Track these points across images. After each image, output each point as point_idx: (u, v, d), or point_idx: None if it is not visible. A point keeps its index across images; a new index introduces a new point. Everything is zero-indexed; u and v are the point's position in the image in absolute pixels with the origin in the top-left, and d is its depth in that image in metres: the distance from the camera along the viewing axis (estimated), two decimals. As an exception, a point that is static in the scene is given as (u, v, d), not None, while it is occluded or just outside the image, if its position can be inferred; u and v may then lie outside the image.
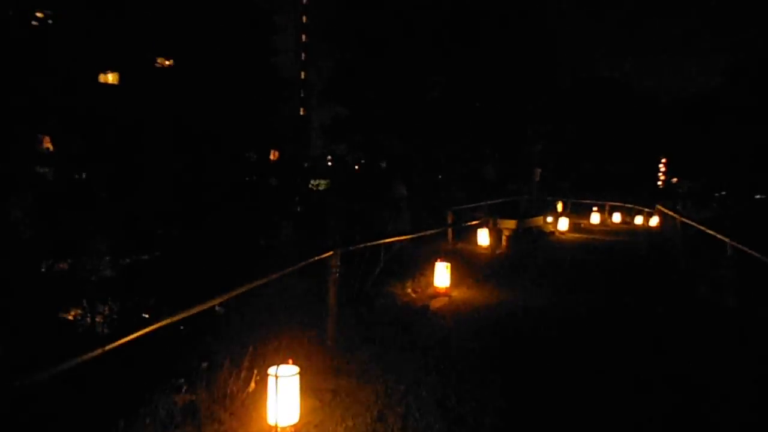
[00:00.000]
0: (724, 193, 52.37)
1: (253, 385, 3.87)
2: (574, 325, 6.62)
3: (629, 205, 24.68)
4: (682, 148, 48.71)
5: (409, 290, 8.28)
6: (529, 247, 12.98)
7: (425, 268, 8.70)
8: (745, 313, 6.65)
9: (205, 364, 4.01)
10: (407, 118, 14.85)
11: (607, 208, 23.42)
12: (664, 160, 58.41)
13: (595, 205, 24.18)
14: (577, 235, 16.35)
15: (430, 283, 8.26)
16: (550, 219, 17.27)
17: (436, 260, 8.26)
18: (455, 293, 8.22)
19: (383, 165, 20.14)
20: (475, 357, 5.31)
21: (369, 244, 7.50)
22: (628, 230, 19.99)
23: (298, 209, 21.54)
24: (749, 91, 40.27)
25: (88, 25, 21.87)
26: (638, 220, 25.73)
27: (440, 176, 17.75)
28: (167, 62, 31.04)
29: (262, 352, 4.56)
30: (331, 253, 5.72)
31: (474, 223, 11.96)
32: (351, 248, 6.49)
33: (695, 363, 5.23)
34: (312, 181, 30.41)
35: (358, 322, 6.29)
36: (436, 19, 16.37)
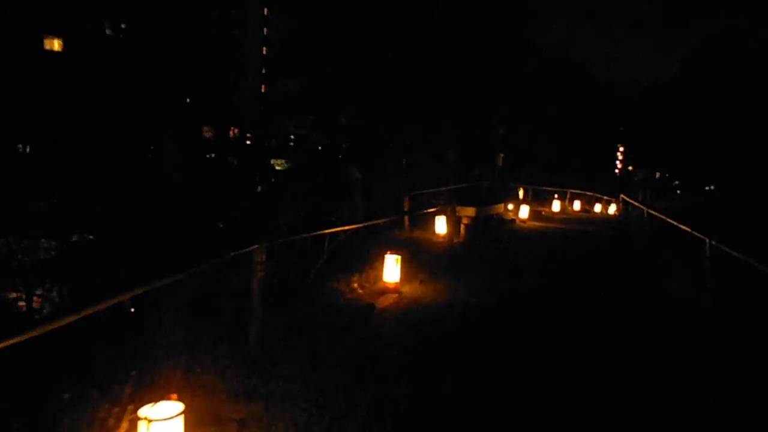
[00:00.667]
0: (677, 182, 53.51)
1: (125, 426, 2.97)
2: (536, 331, 5.94)
3: (589, 193, 24.52)
4: (639, 137, 49.44)
5: (356, 285, 7.46)
6: (489, 236, 12.35)
7: (376, 260, 7.89)
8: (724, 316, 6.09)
9: (66, 396, 3.08)
10: (363, 95, 13.94)
11: (567, 195, 23.15)
12: (621, 149, 59.27)
13: (555, 193, 23.91)
14: (538, 224, 15.86)
15: (380, 277, 7.47)
16: (511, 206, 16.73)
17: (382, 253, 7.46)
18: (406, 289, 7.45)
19: (344, 146, 19.25)
20: (420, 375, 4.55)
21: (308, 234, 6.63)
22: (588, 218, 19.71)
23: (258, 189, 20.35)
24: (705, 80, 40.85)
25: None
26: (597, 207, 25.68)
27: (402, 159, 16.91)
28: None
29: (158, 373, 3.67)
30: (256, 247, 4.83)
31: (432, 210, 11.20)
32: (280, 241, 5.59)
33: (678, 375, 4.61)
34: (272, 161, 29.18)
35: (289, 326, 5.44)
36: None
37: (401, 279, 7.44)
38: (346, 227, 7.48)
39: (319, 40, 15.63)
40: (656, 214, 9.46)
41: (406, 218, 11.96)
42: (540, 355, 5.12)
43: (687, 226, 6.89)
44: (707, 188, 45.14)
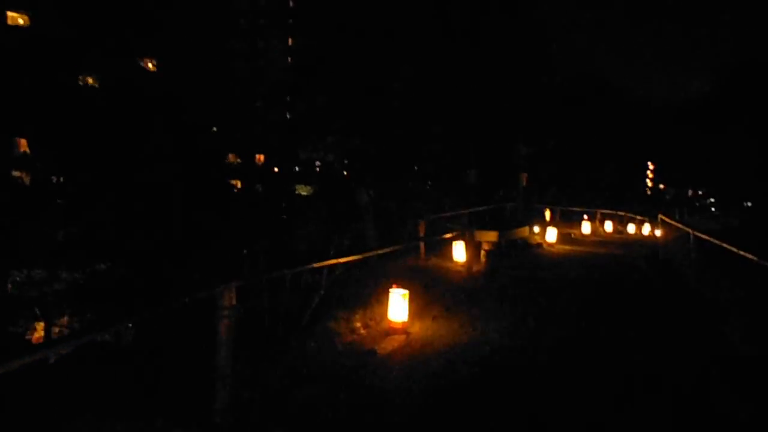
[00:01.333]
0: (712, 200, 51.23)
1: None
2: (565, 382, 4.86)
3: (621, 213, 23.16)
4: (670, 154, 47.63)
5: (358, 324, 6.50)
6: (513, 263, 11.27)
7: (385, 293, 6.93)
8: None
9: None
10: (376, 116, 13.16)
11: (597, 216, 21.87)
12: (651, 167, 57.28)
13: (585, 213, 22.65)
14: (567, 247, 14.69)
15: (386, 315, 6.49)
16: (537, 229, 15.60)
17: (390, 286, 6.49)
18: (416, 328, 6.45)
19: (355, 168, 18.43)
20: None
21: (290, 270, 5.69)
22: (622, 241, 18.40)
23: (284, 217, 19.70)
24: (738, 97, 39.14)
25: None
26: (631, 228, 24.25)
27: (419, 182, 15.99)
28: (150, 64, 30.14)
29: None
30: (222, 287, 3.93)
31: (449, 236, 10.20)
32: (255, 280, 4.69)
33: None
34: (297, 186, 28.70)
35: (269, 385, 4.50)
36: (412, 6, 14.74)
37: (410, 316, 6.45)
38: (344, 259, 6.52)
39: (338, 62, 14.99)
40: (707, 237, 8.26)
41: (421, 244, 10.98)
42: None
43: (750, 253, 5.73)
44: (745, 204, 42.96)
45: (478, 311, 7.38)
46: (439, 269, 10.04)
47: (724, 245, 6.66)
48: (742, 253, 5.84)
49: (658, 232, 26.13)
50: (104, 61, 24.02)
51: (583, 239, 17.44)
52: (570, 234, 17.68)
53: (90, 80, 25.54)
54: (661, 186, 56.82)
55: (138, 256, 13.20)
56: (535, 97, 22.31)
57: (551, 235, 14.84)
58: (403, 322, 6.28)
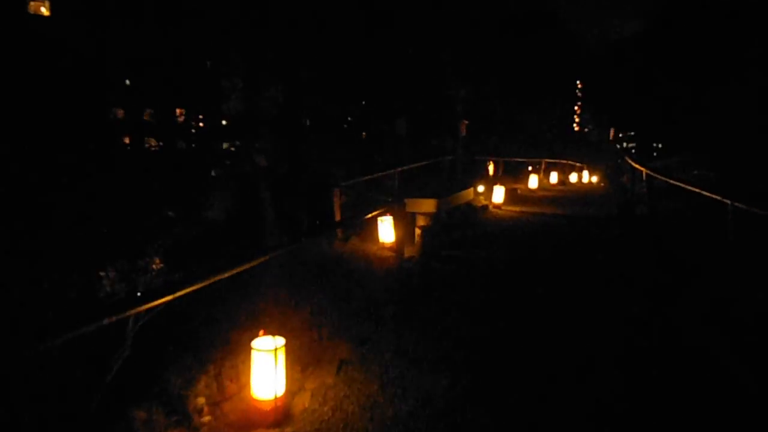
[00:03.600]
0: (633, 144, 50.74)
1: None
2: None
3: (567, 162, 21.19)
4: (600, 96, 46.50)
5: (200, 401, 3.64)
6: (456, 239, 8.65)
7: (254, 335, 4.07)
8: None
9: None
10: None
11: (542, 166, 19.71)
12: (578, 109, 56.14)
13: (529, 165, 20.47)
14: (518, 209, 12.28)
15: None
16: (481, 188, 13.07)
17: (258, 329, 3.63)
18: (300, 402, 3.69)
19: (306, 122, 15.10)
20: None
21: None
22: (574, 194, 16.32)
23: (213, 174, 16.12)
24: (671, 38, 37.67)
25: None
26: (573, 177, 22.44)
27: (337, 137, 12.94)
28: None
29: None
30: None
31: (372, 215, 7.32)
32: None
33: None
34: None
35: None
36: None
37: (291, 380, 3.67)
38: (185, 289, 3.45)
39: None
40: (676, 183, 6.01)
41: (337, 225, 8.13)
42: None
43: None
44: (656, 145, 42.38)
45: (412, 336, 4.71)
46: (359, 260, 7.24)
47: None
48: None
49: (594, 179, 24.65)
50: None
51: (532, 196, 15.13)
52: (516, 190, 15.35)
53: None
54: (586, 129, 55.93)
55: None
56: (469, 32, 19.43)
57: (498, 194, 12.34)
58: (273, 400, 3.46)
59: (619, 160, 18.89)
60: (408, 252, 7.60)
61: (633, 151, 46.40)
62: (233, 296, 5.05)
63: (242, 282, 5.16)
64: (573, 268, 7.14)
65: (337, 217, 8.27)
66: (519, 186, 16.12)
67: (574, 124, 56.75)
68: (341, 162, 10.54)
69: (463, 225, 9.66)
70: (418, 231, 7.91)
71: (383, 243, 7.85)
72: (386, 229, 7.77)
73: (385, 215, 7.66)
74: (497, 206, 12.24)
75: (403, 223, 7.56)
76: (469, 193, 10.95)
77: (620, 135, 53.69)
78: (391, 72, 14.52)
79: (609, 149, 38.00)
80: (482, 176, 15.58)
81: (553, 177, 19.58)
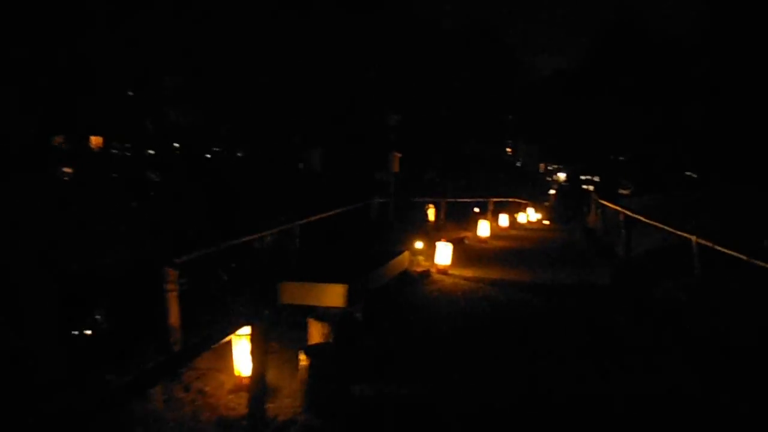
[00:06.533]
0: (591, 177, 49.49)
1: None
2: None
3: (520, 201, 18.35)
4: (529, 128, 45.28)
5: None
6: (378, 356, 5.06)
7: None
8: None
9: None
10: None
11: (490, 207, 16.67)
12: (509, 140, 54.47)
13: (474, 204, 17.45)
14: (470, 273, 8.93)
15: None
16: (420, 244, 9.60)
17: None
18: None
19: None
20: None
21: None
22: (530, 242, 13.29)
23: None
24: (615, 67, 36.59)
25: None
26: (521, 218, 19.74)
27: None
28: None
29: None
30: None
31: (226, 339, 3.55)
32: None
33: None
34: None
35: None
36: None
37: None
38: None
39: None
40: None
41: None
42: None
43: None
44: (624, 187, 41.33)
45: None
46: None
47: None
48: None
49: (539, 216, 22.28)
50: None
51: (484, 248, 11.90)
52: (464, 240, 12.10)
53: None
54: (518, 163, 54.36)
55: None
56: (400, 54, 16.42)
57: (443, 254, 8.89)
58: None
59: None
60: (281, 402, 3.92)
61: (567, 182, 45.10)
62: None
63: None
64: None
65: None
66: (467, 234, 12.87)
67: (507, 155, 55.33)
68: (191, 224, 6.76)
69: (391, 315, 6.11)
70: (303, 359, 4.14)
71: (242, 380, 4.17)
72: (245, 363, 4.09)
73: (242, 337, 3.98)
74: (443, 270, 8.81)
75: (263, 351, 3.90)
76: (403, 259, 7.44)
77: (548, 168, 52.82)
78: (292, 87, 11.04)
79: (539, 180, 36.99)
80: (421, 224, 12.19)
81: (503, 220, 16.59)
